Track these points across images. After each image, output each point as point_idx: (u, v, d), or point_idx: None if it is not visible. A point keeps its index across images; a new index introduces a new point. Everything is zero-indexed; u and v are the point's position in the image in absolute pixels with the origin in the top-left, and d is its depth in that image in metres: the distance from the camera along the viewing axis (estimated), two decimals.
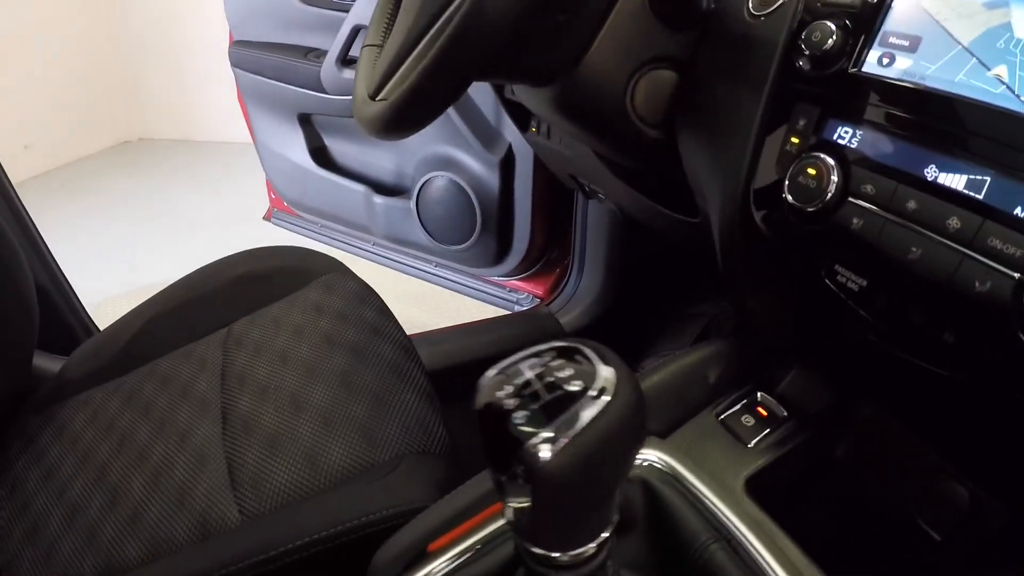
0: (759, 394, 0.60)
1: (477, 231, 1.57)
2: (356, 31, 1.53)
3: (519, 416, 0.28)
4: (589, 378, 0.29)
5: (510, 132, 1.44)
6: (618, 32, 0.63)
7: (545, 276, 1.67)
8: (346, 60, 1.58)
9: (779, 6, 0.54)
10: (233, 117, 3.84)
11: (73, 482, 0.79)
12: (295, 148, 1.88)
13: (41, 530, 0.75)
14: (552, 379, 0.29)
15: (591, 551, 0.32)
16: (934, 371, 0.42)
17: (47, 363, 1.20)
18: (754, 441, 0.56)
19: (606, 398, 0.28)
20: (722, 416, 0.58)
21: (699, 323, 1.34)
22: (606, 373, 0.29)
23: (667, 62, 0.64)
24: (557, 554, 0.32)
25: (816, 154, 0.46)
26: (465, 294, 1.81)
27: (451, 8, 0.60)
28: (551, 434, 0.27)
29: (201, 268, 1.08)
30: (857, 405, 0.56)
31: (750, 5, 0.57)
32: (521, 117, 1.09)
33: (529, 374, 0.29)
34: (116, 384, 0.94)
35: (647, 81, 0.65)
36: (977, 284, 0.37)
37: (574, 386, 0.28)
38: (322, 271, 1.03)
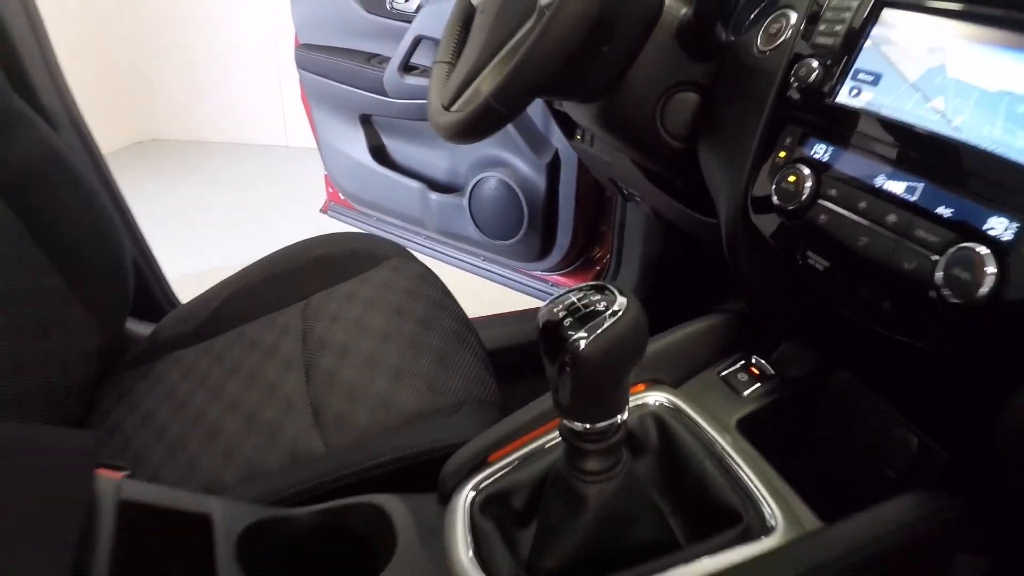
0: (754, 358, 0.74)
1: (524, 228, 1.71)
2: (417, 41, 1.68)
3: (566, 323, 0.44)
4: (611, 302, 0.44)
5: (556, 138, 1.58)
6: (650, 61, 0.77)
7: (585, 272, 1.81)
8: (407, 67, 1.73)
9: (779, 44, 0.68)
10: (246, 119, 4.04)
11: (171, 425, 0.94)
12: (355, 146, 2.04)
13: (141, 467, 0.90)
14: (587, 302, 0.45)
15: (611, 427, 0.47)
16: (879, 332, 0.55)
17: (136, 327, 1.36)
18: (746, 392, 0.70)
19: (620, 313, 0.43)
20: (722, 373, 0.73)
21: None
22: (621, 300, 0.44)
23: (691, 86, 0.78)
24: (588, 425, 0.47)
25: (797, 165, 0.60)
26: (510, 287, 1.95)
27: (515, 38, 0.74)
28: (585, 334, 0.43)
29: (282, 249, 1.24)
30: (833, 371, 0.69)
31: (758, 42, 0.71)
32: (568, 126, 1.23)
33: (573, 299, 0.45)
34: (205, 346, 1.10)
35: (674, 101, 0.79)
36: (906, 264, 0.51)
37: (601, 307, 0.44)
38: (390, 255, 1.18)
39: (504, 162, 1.69)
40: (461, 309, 1.11)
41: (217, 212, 3.34)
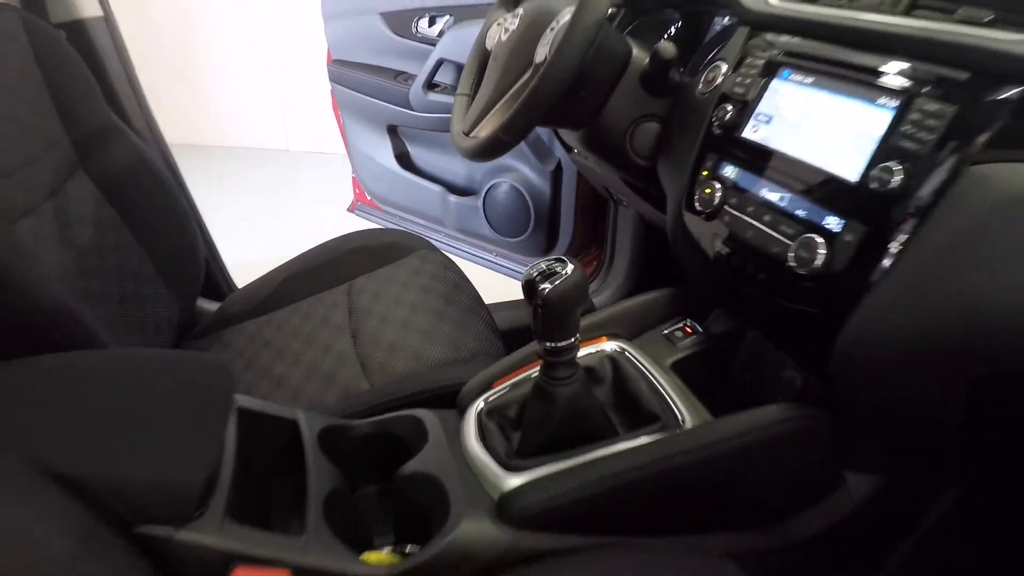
0: (689, 320, 1.01)
1: (531, 227, 1.97)
2: (439, 63, 1.94)
3: (537, 279, 0.70)
4: (564, 268, 0.71)
5: (559, 149, 1.84)
6: (621, 98, 1.03)
7: (584, 266, 2.06)
8: (431, 85, 1.99)
9: (712, 89, 0.93)
10: (247, 123, 4.22)
11: (243, 376, 1.20)
12: (383, 152, 2.29)
13: None
14: (550, 267, 0.71)
15: (569, 346, 0.73)
16: (762, 298, 0.81)
17: (204, 305, 1.63)
18: (680, 343, 0.97)
19: (569, 273, 0.70)
20: (664, 331, 1.00)
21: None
22: (570, 267, 0.71)
23: (653, 117, 1.04)
24: (554, 344, 0.73)
25: (712, 181, 0.86)
26: (516, 279, 2.21)
27: (516, 86, 1.00)
28: (548, 285, 0.69)
29: (327, 241, 1.51)
30: (745, 331, 0.95)
31: (700, 86, 0.96)
32: (567, 143, 1.49)
33: (543, 266, 0.72)
34: (266, 319, 1.37)
35: (640, 129, 1.04)
36: (774, 249, 0.77)
37: (558, 269, 0.71)
38: (418, 247, 1.45)
39: (514, 169, 1.95)
40: (476, 291, 1.37)
41: (230, 213, 3.56)
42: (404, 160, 2.26)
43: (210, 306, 1.61)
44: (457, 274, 1.39)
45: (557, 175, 1.88)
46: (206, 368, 0.79)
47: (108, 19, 1.55)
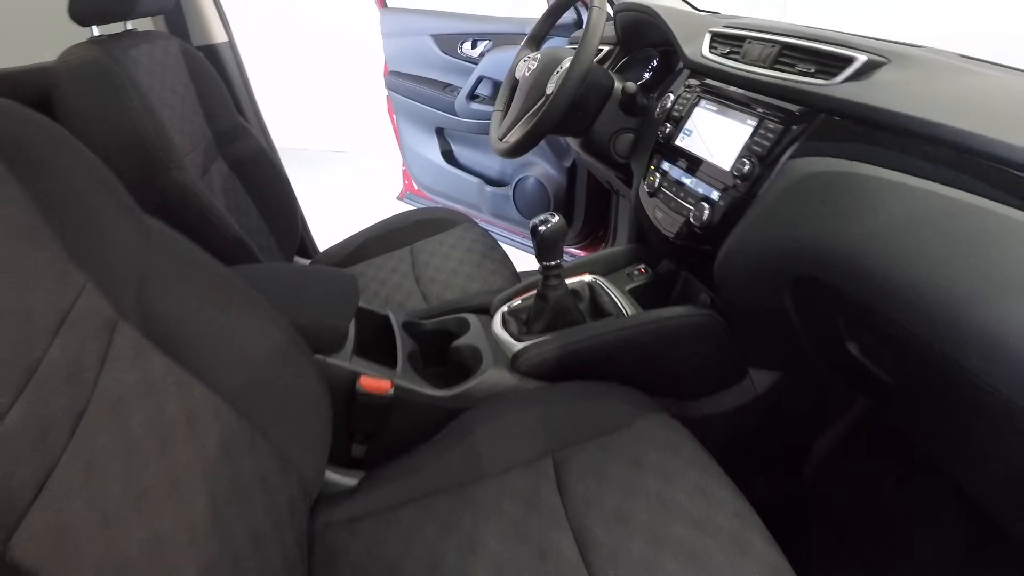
0: (644, 265, 1.52)
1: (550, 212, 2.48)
2: (480, 79, 2.46)
3: (538, 225, 1.22)
4: (552, 218, 1.23)
5: (574, 150, 2.35)
6: (605, 117, 1.54)
7: (592, 247, 2.58)
8: (472, 96, 2.51)
9: (662, 111, 1.45)
10: (301, 127, 4.77)
11: None
12: (430, 150, 2.83)
13: None
14: (545, 218, 1.24)
15: (555, 263, 1.26)
16: (681, 244, 1.32)
17: (299, 260, 2.17)
18: (636, 279, 1.49)
19: (555, 220, 1.22)
20: (627, 271, 1.51)
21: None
22: (557, 218, 1.23)
23: (628, 130, 1.55)
24: (546, 263, 1.25)
25: (656, 172, 1.38)
26: None
27: (534, 108, 1.52)
28: (542, 227, 1.22)
29: (392, 216, 2.03)
30: (680, 271, 1.46)
31: (657, 109, 1.47)
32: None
33: (540, 218, 1.24)
34: (349, 269, 1.90)
35: (620, 138, 1.56)
36: (683, 213, 1.28)
37: (549, 218, 1.22)
38: (461, 221, 1.97)
39: (538, 165, 2.47)
40: (504, 252, 1.89)
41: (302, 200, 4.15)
42: (449, 157, 2.80)
43: (303, 262, 2.14)
44: (492, 240, 1.91)
45: (572, 171, 2.39)
46: (343, 275, 1.31)
47: (232, 44, 2.09)
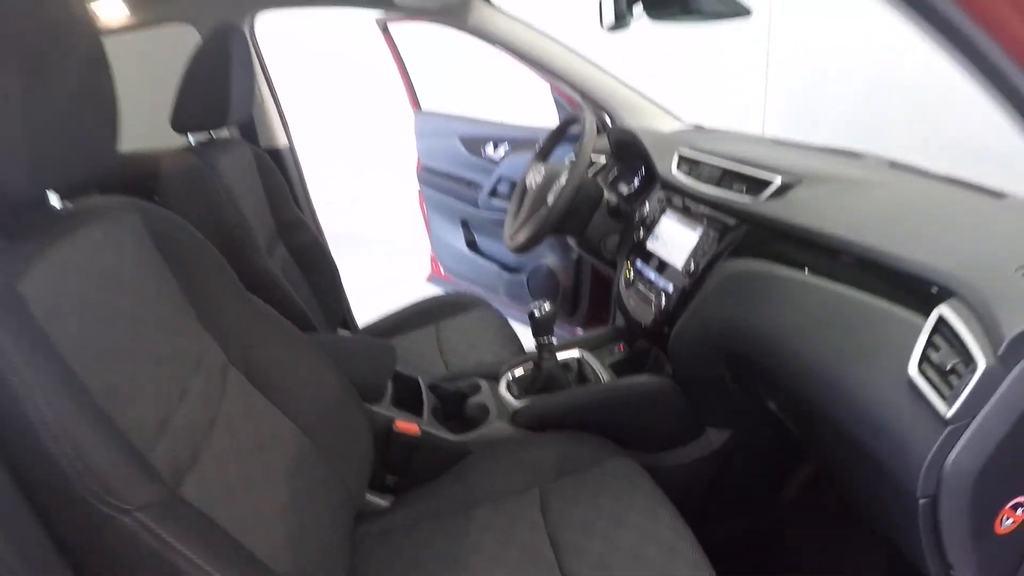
0: (622, 344, 1.89)
1: (559, 297, 2.87)
2: (499, 178, 2.87)
3: (534, 309, 1.61)
4: (545, 305, 1.62)
5: None
6: (595, 222, 1.94)
7: (597, 327, 2.94)
8: (493, 193, 2.92)
9: (640, 218, 1.84)
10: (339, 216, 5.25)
11: None
12: (456, 238, 3.24)
13: None
14: (539, 305, 1.62)
15: (549, 340, 1.64)
16: (648, 327, 1.69)
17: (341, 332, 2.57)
18: (615, 355, 1.86)
19: (547, 308, 1.62)
20: (608, 348, 1.89)
21: None
22: (548, 304, 1.61)
23: (615, 232, 1.94)
24: (541, 339, 1.64)
25: (630, 268, 1.77)
26: None
27: (537, 213, 1.93)
28: (537, 312, 1.60)
29: (423, 299, 2.43)
30: (651, 348, 1.83)
31: (636, 216, 1.87)
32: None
33: (536, 304, 1.62)
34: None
35: (607, 239, 1.95)
36: (645, 303, 1.66)
37: (544, 307, 1.62)
38: (480, 305, 2.36)
39: (549, 255, 2.86)
40: (515, 332, 2.26)
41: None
42: (472, 245, 3.21)
43: (345, 334, 2.54)
44: (503, 320, 2.29)
45: (579, 261, 2.78)
46: (385, 345, 1.71)
47: (292, 148, 2.53)
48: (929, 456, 0.90)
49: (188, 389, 1.01)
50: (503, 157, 2.92)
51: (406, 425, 1.53)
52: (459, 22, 2.23)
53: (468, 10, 2.20)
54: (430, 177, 3.27)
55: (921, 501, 0.93)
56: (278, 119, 2.50)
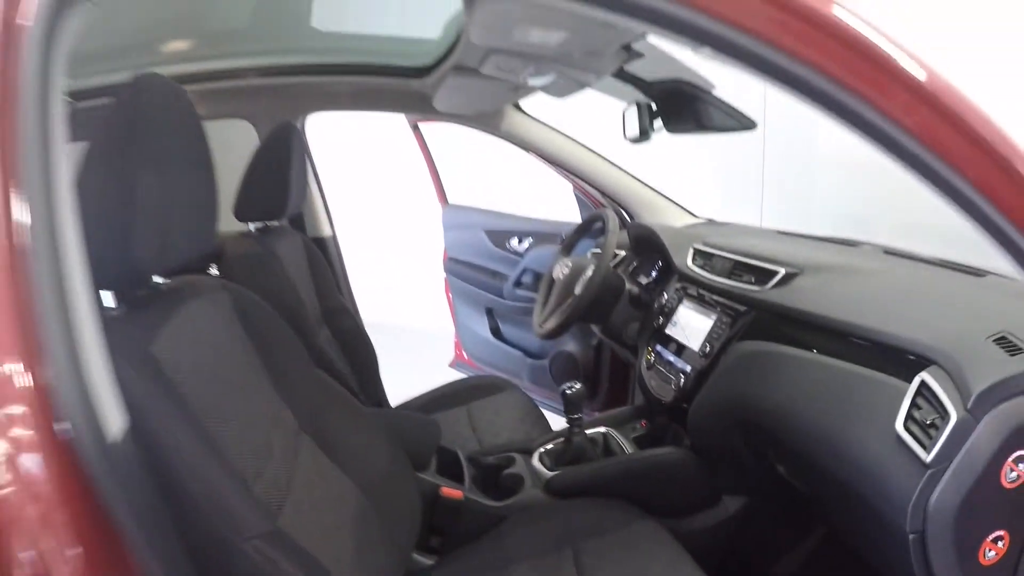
0: (644, 420, 2.07)
1: (580, 382, 3.03)
2: (523, 270, 3.09)
3: (566, 390, 1.80)
4: (575, 386, 1.81)
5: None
6: (618, 310, 2.14)
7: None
8: (518, 283, 3.13)
9: (659, 307, 2.04)
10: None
11: None
12: (480, 326, 3.43)
13: None
14: (570, 386, 1.81)
15: (578, 417, 1.83)
16: (668, 403, 1.88)
17: None
18: (638, 430, 2.04)
19: (576, 388, 1.80)
20: (631, 424, 2.07)
21: None
22: (578, 384, 1.80)
23: (636, 320, 2.15)
24: (571, 416, 1.82)
25: (651, 352, 1.97)
26: None
27: (564, 304, 2.13)
28: (568, 391, 1.80)
29: (456, 380, 2.61)
30: (672, 424, 2.01)
31: (655, 305, 2.07)
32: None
33: (568, 385, 1.82)
34: None
35: (628, 327, 2.15)
36: (668, 381, 1.85)
37: (575, 387, 1.80)
38: (509, 387, 2.54)
39: (570, 342, 3.06)
40: (541, 412, 2.44)
41: None
42: (496, 332, 3.40)
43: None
44: (532, 403, 2.47)
45: (599, 348, 2.97)
46: (430, 420, 1.89)
47: (335, 238, 2.76)
48: (914, 497, 1.08)
49: (272, 446, 1.20)
50: (527, 250, 3.15)
51: (451, 491, 1.70)
52: (493, 127, 2.50)
53: (502, 117, 2.46)
54: (456, 267, 3.50)
55: (911, 537, 1.11)
56: (323, 210, 2.73)
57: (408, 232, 5.51)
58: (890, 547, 1.19)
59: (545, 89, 2.04)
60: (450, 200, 3.60)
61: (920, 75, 0.83)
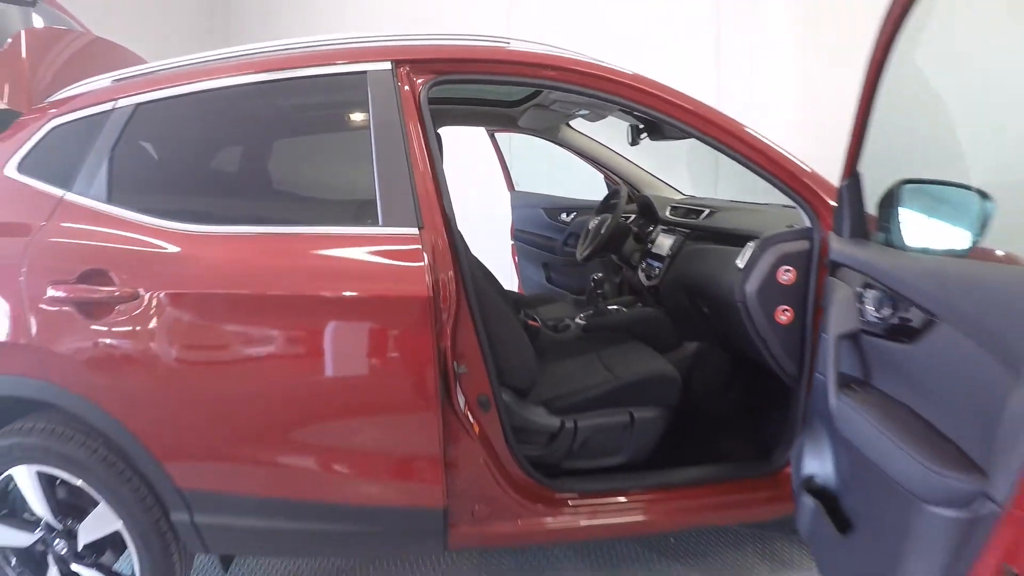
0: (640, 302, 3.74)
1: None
2: (569, 234, 4.67)
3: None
4: None
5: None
6: (627, 245, 3.79)
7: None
8: (565, 243, 4.69)
9: (649, 240, 3.70)
10: None
11: None
12: (539, 275, 5.00)
13: None
14: None
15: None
16: (651, 288, 3.54)
17: None
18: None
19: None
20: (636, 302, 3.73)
21: None
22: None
23: (636, 250, 3.80)
24: None
25: (644, 264, 3.63)
26: None
27: (597, 240, 3.78)
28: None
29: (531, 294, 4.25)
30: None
31: (647, 239, 3.73)
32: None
33: None
34: None
35: (633, 254, 3.80)
36: (652, 276, 3.51)
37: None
38: (563, 299, 4.18)
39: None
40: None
41: None
42: (550, 280, 5.01)
43: None
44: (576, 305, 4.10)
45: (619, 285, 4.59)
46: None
47: None
48: (738, 285, 2.52)
49: None
50: (571, 219, 4.77)
51: (533, 323, 3.35)
52: (553, 137, 4.14)
53: (558, 130, 4.12)
54: (521, 235, 5.13)
55: (739, 305, 2.54)
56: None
57: (481, 215, 7.11)
58: (742, 323, 2.72)
59: (584, 117, 3.72)
60: (516, 187, 5.23)
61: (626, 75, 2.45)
